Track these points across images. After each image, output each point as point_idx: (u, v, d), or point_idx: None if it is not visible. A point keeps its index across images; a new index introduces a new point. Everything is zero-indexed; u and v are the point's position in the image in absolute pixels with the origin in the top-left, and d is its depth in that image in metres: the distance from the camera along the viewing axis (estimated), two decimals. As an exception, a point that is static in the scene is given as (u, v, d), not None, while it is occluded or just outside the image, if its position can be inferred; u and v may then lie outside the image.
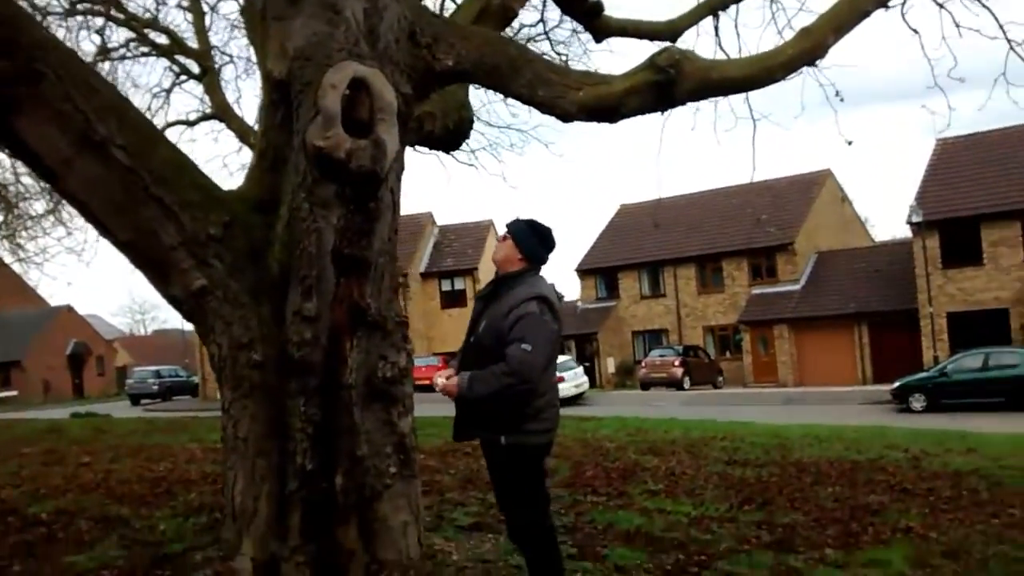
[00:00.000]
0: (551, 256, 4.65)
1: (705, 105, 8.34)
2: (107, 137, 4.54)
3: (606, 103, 5.07)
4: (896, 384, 24.52)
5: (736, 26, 9.06)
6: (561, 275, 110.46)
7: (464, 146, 8.39)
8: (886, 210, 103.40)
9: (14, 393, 50.61)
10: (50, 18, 14.26)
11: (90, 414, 27.72)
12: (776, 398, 29.20)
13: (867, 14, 5.40)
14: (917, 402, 23.36)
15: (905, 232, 39.27)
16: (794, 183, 41.33)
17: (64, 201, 24.26)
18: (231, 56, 26.36)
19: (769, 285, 40.08)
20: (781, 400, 28.18)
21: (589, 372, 35.90)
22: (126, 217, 4.72)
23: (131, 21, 16.81)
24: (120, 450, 13.25)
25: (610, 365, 41.83)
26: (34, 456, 12.77)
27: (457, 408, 4.67)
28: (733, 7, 8.35)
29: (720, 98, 7.19)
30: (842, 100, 8.49)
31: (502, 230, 4.83)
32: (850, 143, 9.27)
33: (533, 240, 4.58)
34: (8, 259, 35.31)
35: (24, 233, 30.22)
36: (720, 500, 7.63)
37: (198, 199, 4.83)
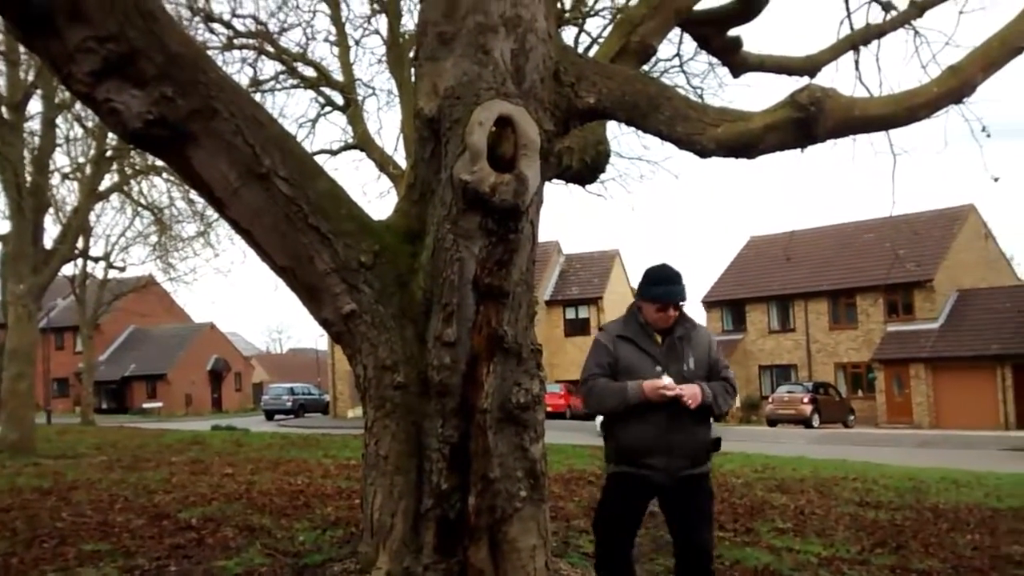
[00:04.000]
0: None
1: (844, 139, 8.26)
2: (271, 169, 4.89)
3: (745, 140, 5.12)
4: (1044, 431, 23.21)
5: (877, 60, 8.92)
6: (687, 307, 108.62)
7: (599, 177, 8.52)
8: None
9: (159, 404, 53.30)
10: (209, 52, 15.23)
11: (229, 427, 28.90)
12: (910, 440, 27.96)
13: (1020, 51, 5.28)
14: (1067, 451, 22.04)
15: (1056, 271, 37.15)
16: (935, 218, 39.71)
17: (213, 224, 25.64)
18: (374, 89, 27.42)
19: (906, 323, 38.58)
20: (916, 442, 26.97)
21: (714, 406, 35.27)
22: (285, 244, 5.05)
23: (282, 55, 17.78)
24: (259, 463, 13.84)
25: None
26: (182, 465, 13.49)
27: (675, 446, 4.34)
28: (875, 41, 8.24)
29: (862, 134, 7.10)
30: (988, 135, 8.24)
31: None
32: (996, 179, 8.96)
33: (648, 288, 4.53)
34: (160, 277, 37.57)
35: (176, 253, 32.20)
36: (852, 542, 7.44)
37: (352, 228, 5.13)
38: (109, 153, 20.78)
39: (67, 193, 25.79)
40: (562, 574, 5.56)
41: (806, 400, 34.74)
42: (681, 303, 4.45)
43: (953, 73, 5.21)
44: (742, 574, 6.02)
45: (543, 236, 5.80)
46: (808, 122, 4.98)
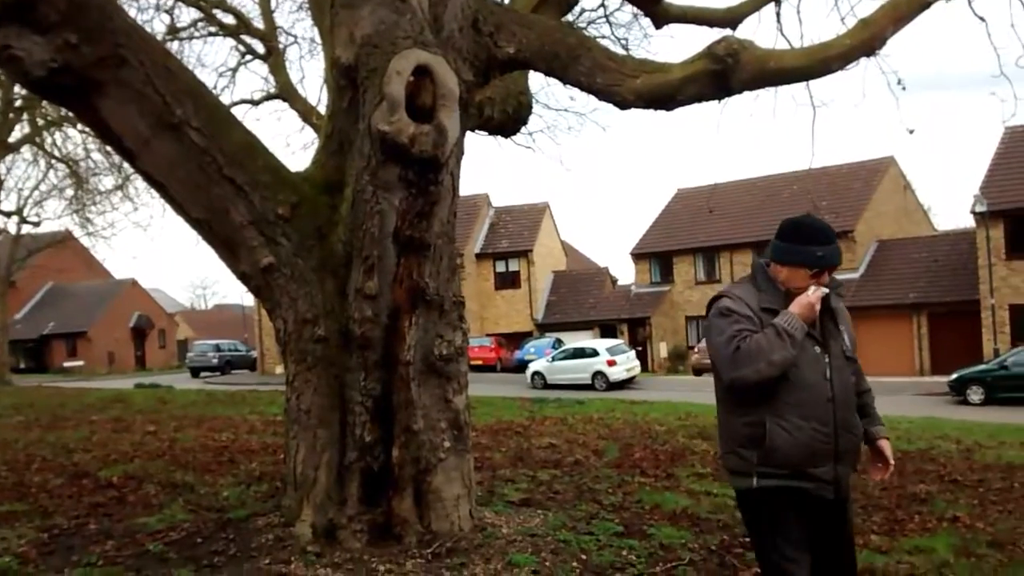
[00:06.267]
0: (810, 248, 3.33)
1: (765, 91, 8.36)
2: (183, 119, 4.78)
3: (663, 91, 5.16)
4: (954, 376, 24.10)
5: (798, 12, 9.04)
6: (615, 259, 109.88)
7: (522, 128, 8.50)
8: (949, 199, 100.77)
9: (80, 363, 51.96)
10: (121, -1, 14.65)
11: (153, 385, 28.39)
12: (831, 387, 28.85)
13: (927, 5, 5.39)
14: (975, 395, 22.95)
15: (968, 222, 38.35)
16: (855, 170, 40.58)
17: (132, 177, 24.93)
18: (296, 37, 26.62)
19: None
20: (836, 389, 27.84)
21: (641, 356, 35.81)
22: (199, 196, 4.96)
23: (200, 1, 17.17)
24: (183, 420, 13.70)
25: (662, 350, 41.67)
26: (103, 423, 13.28)
27: (844, 451, 3.24)
28: (794, -6, 8.32)
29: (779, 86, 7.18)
30: (904, 88, 8.39)
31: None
32: (912, 131, 9.20)
33: (791, 247, 3.38)
34: (77, 232, 36.43)
35: (93, 208, 31.22)
36: (768, 485, 7.68)
37: (268, 180, 5.05)
38: (18, 103, 19.95)
39: (-27, 145, 24.76)
40: (487, 522, 5.63)
41: (731, 350, 35.51)
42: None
43: (865, 26, 5.29)
44: (661, 517, 6.17)
45: (472, 189, 5.82)
46: (725, 73, 5.03)
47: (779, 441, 3.14)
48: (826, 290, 3.24)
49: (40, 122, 22.29)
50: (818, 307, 3.20)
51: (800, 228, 3.38)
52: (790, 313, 3.16)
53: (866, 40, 5.29)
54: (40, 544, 5.35)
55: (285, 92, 17.36)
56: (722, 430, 3.41)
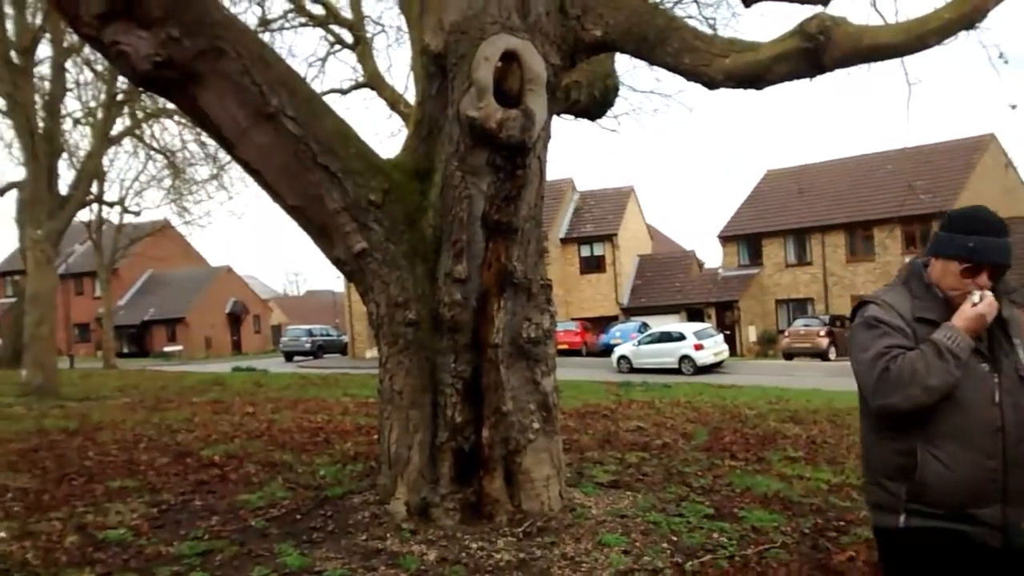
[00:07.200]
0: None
1: (857, 68, 8.15)
2: (279, 108, 4.92)
3: (753, 70, 5.09)
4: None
5: (891, -14, 8.74)
6: (701, 242, 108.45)
7: (608, 111, 8.48)
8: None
9: (179, 347, 53.83)
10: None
11: (249, 369, 29.22)
12: (927, 372, 27.96)
13: (1031, -26, 5.19)
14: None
15: (1077, 200, 36.74)
16: (953, 148, 39.12)
17: (226, 167, 25.61)
18: (383, 26, 26.92)
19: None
20: (932, 374, 26.99)
21: (729, 340, 35.30)
22: (295, 183, 5.11)
23: (289, -7, 17.51)
24: (279, 402, 14.11)
25: (751, 333, 41.02)
26: (203, 405, 13.76)
27: (1015, 489, 2.65)
28: (888, -33, 8.08)
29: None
30: (1006, 62, 8.11)
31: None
32: (1014, 107, 8.86)
33: (945, 235, 2.84)
34: (175, 221, 37.72)
35: (189, 197, 32.23)
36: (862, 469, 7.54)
37: (360, 167, 5.17)
38: (120, 97, 20.70)
39: (79, 138, 25.79)
40: (576, 503, 5.68)
41: (822, 333, 34.73)
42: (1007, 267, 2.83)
43: (964, -2, 5.11)
44: (752, 500, 6.12)
45: (557, 173, 5.84)
46: (816, 51, 4.94)
47: (932, 475, 2.63)
48: (990, 294, 2.69)
49: (139, 114, 23.05)
50: (990, 319, 2.68)
51: (962, 216, 2.84)
52: (954, 327, 2.65)
53: (966, 14, 5.11)
54: (151, 518, 5.61)
55: (373, 81, 17.64)
56: (866, 455, 2.92)
